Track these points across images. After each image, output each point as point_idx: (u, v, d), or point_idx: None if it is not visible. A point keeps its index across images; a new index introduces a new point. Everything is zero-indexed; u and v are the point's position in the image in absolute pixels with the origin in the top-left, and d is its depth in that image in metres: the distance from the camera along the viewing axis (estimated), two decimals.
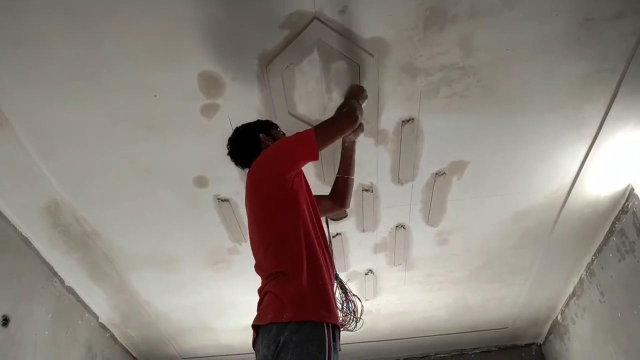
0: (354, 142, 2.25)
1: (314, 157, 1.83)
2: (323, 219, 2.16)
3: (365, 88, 2.23)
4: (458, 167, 2.79)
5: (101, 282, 3.47)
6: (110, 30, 1.99)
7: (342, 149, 2.29)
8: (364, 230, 3.22)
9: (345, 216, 2.38)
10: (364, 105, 2.20)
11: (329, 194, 2.30)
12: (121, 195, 2.78)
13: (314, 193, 2.00)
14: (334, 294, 1.72)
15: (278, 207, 1.78)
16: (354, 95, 2.20)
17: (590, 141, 2.64)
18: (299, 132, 1.88)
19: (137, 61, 2.12)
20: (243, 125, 2.15)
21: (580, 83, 2.34)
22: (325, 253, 1.79)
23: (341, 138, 2.14)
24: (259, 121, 2.18)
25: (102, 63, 2.11)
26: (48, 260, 3.21)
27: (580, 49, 2.19)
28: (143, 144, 2.50)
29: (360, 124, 2.15)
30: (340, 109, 2.19)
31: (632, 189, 2.92)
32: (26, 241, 3.02)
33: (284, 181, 1.78)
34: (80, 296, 3.57)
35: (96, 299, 3.65)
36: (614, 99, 2.41)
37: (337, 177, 2.30)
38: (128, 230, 3.05)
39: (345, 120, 2.03)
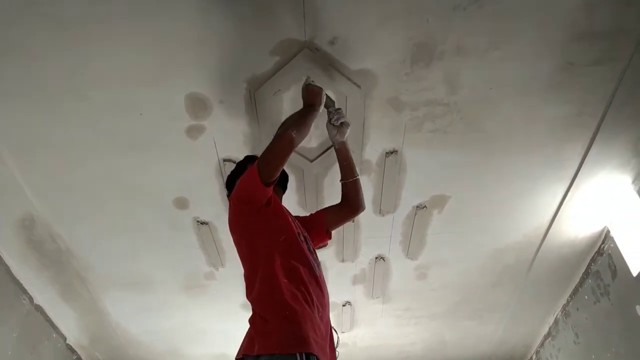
0: (344, 142, 2.13)
1: (262, 190, 1.79)
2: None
3: (319, 86, 2.04)
4: (439, 201, 2.81)
5: (72, 301, 3.38)
6: (99, 47, 1.98)
7: (336, 154, 2.18)
8: (343, 260, 3.21)
9: (325, 245, 2.33)
10: (322, 107, 2.04)
11: (341, 202, 2.20)
12: (99, 212, 2.74)
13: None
14: (315, 321, 1.66)
15: (246, 239, 1.85)
16: (308, 101, 2.02)
17: (568, 182, 2.70)
18: (250, 166, 1.88)
19: (125, 79, 2.11)
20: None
21: (561, 125, 2.40)
22: (306, 282, 1.75)
23: (332, 143, 2.14)
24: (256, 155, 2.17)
25: (89, 79, 2.10)
26: (18, 277, 3.11)
27: (561, 92, 2.25)
28: (126, 161, 2.47)
29: (343, 123, 2.07)
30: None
31: (608, 232, 2.97)
32: None
33: (246, 215, 1.84)
34: (49, 315, 3.46)
35: (65, 319, 3.54)
36: (592, 143, 2.47)
37: (342, 184, 2.18)
38: (103, 249, 2.98)
39: (279, 144, 1.83)
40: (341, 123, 2.07)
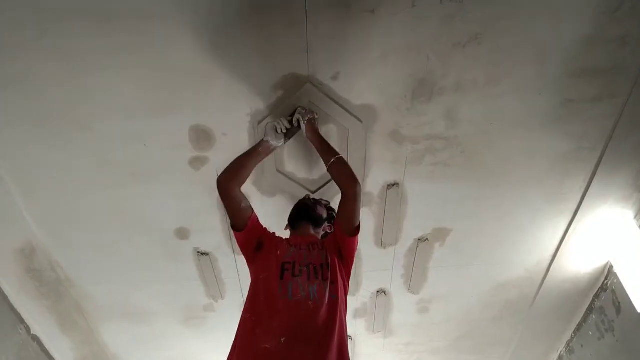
0: (311, 131, 2.09)
1: (236, 235, 2.00)
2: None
3: (308, 109, 2.12)
4: (441, 234, 2.81)
5: (70, 331, 3.34)
6: (104, 78, 2.02)
7: (311, 143, 2.14)
8: None
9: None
10: (267, 137, 2.07)
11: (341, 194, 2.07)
12: (100, 242, 2.73)
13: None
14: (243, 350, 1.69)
15: None
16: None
17: (570, 216, 2.69)
18: None
19: (129, 111, 2.15)
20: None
21: (561, 159, 2.41)
22: (257, 308, 1.78)
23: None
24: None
25: (92, 109, 2.13)
26: (16, 306, 3.08)
27: (561, 127, 2.27)
28: (127, 191, 2.48)
29: (310, 120, 2.09)
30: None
31: (612, 267, 2.95)
32: None
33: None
34: (46, 346, 3.41)
35: (62, 350, 3.49)
36: (593, 177, 2.48)
37: (328, 172, 2.08)
38: (102, 279, 2.97)
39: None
40: (297, 122, 2.09)
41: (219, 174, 1.99)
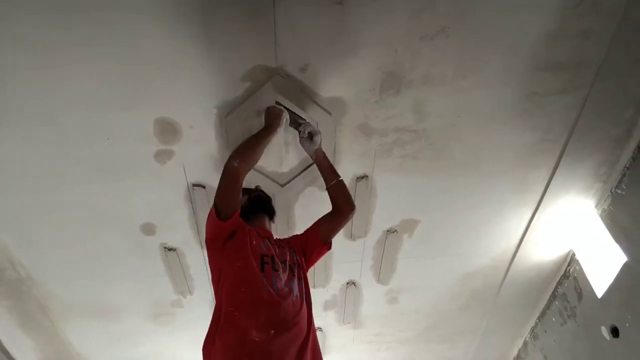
0: (318, 150, 2.17)
1: (220, 226, 1.86)
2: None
3: (281, 108, 2.09)
4: (409, 225, 2.83)
5: (32, 331, 3.23)
6: (70, 70, 1.95)
7: (316, 165, 2.22)
8: (314, 286, 3.18)
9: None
10: (281, 128, 2.08)
11: (332, 208, 2.19)
12: (63, 238, 2.65)
13: None
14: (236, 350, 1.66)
15: (217, 277, 1.93)
16: (266, 122, 2.09)
17: (534, 206, 2.76)
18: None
19: (94, 103, 2.07)
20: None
21: (526, 152, 2.46)
22: (246, 303, 1.76)
23: (310, 156, 2.20)
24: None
25: (58, 103, 2.05)
26: None
27: (526, 120, 2.32)
28: (92, 186, 2.41)
29: (311, 132, 2.11)
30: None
31: (574, 254, 3.04)
32: None
33: (216, 254, 1.92)
34: (6, 346, 3.30)
35: (23, 350, 3.38)
36: (556, 168, 2.55)
37: (327, 190, 2.19)
38: (67, 276, 2.88)
39: (223, 178, 1.91)
40: (309, 133, 2.12)
41: (235, 164, 1.87)
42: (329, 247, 2.18)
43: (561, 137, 2.41)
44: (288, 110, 2.12)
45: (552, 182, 2.61)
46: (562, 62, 2.10)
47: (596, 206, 2.77)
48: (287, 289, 1.84)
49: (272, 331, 1.67)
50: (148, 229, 2.66)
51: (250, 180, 2.46)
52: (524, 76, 2.14)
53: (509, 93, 2.20)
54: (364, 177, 2.53)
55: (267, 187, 2.48)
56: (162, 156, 2.32)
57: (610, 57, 2.10)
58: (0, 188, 2.37)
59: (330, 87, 2.14)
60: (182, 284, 3.01)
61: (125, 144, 2.25)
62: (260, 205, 2.20)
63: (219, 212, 1.85)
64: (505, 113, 2.28)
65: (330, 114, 2.21)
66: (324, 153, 2.20)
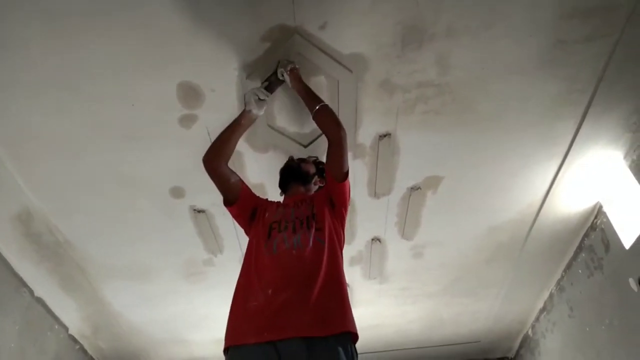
0: (295, 81, 2.09)
1: (229, 209, 2.11)
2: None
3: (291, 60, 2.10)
4: (433, 182, 2.83)
5: (72, 292, 3.40)
6: (91, 39, 1.98)
7: (297, 93, 2.15)
8: None
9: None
10: (254, 103, 2.06)
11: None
12: (96, 204, 2.74)
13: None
14: (239, 308, 1.73)
15: None
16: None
17: (561, 159, 2.72)
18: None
19: (117, 70, 2.11)
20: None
21: (552, 103, 2.41)
22: (251, 262, 1.86)
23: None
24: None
25: (80, 71, 2.10)
26: (17, 270, 3.13)
27: (552, 70, 2.26)
28: (121, 153, 2.47)
29: (292, 69, 2.09)
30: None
31: (601, 207, 3.01)
32: None
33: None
34: (50, 307, 3.48)
35: (67, 310, 3.57)
36: (583, 119, 2.49)
37: (314, 121, 2.09)
38: (101, 240, 3.00)
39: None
40: (282, 74, 2.10)
41: (209, 137, 1.98)
42: (344, 180, 2.01)
43: (589, 86, 2.35)
44: (264, 82, 2.13)
45: (579, 133, 2.56)
46: (590, 7, 2.02)
47: (625, 157, 2.71)
48: (287, 244, 1.84)
49: (270, 290, 1.70)
50: (177, 193, 2.73)
51: (273, 142, 2.49)
52: (550, 24, 2.07)
53: (535, 42, 2.14)
54: (386, 135, 2.53)
55: (291, 148, 2.51)
56: (187, 121, 2.36)
57: None
58: (36, 159, 2.46)
59: (350, 44, 2.11)
60: (213, 243, 3.10)
61: (150, 110, 2.29)
62: (287, 176, 2.27)
63: (224, 200, 2.07)
64: (530, 63, 2.22)
65: (351, 71, 2.20)
66: (301, 83, 2.10)
